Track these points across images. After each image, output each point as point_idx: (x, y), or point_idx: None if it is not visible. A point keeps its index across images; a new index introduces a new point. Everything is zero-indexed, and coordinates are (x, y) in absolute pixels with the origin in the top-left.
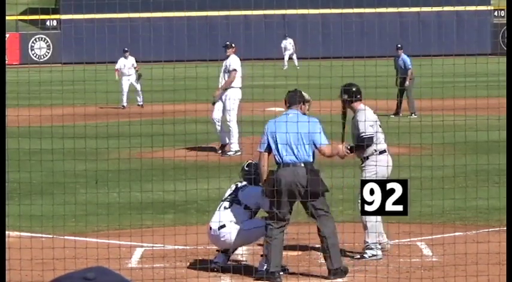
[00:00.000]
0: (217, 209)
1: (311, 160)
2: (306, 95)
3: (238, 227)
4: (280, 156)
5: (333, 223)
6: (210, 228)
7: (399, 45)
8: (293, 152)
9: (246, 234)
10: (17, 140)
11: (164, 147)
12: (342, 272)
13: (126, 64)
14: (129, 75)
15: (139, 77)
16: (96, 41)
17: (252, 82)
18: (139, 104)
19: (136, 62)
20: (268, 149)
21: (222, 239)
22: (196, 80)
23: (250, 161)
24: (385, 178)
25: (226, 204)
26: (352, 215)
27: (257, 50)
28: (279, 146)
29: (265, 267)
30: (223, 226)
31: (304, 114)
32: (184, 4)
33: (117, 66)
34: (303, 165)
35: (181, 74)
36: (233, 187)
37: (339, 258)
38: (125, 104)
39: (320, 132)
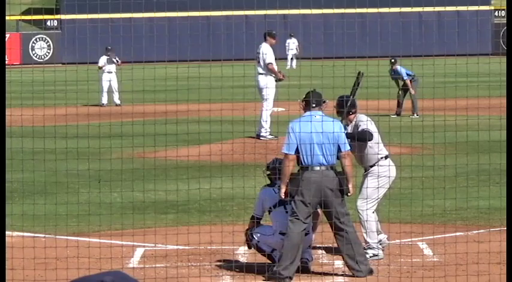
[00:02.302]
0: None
1: (335, 162)
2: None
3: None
4: (310, 158)
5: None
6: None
7: (393, 60)
8: (322, 154)
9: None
10: (20, 139)
11: (167, 147)
12: (371, 272)
13: (108, 61)
14: (109, 72)
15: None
16: (97, 41)
17: (254, 82)
18: (117, 103)
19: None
20: (296, 151)
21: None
22: (199, 80)
23: (275, 158)
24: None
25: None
26: (352, 215)
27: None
28: (309, 148)
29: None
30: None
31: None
32: (186, 4)
33: (100, 63)
34: (330, 167)
35: (184, 74)
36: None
37: (366, 260)
38: (104, 103)
39: (345, 137)
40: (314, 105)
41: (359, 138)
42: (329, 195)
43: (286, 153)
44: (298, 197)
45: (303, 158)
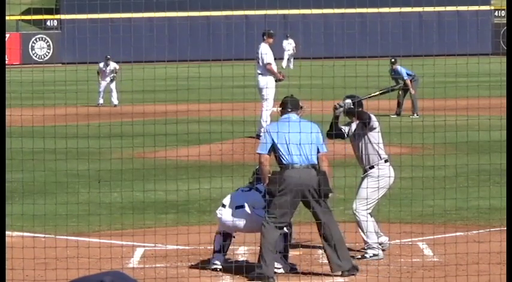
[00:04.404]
0: (234, 191)
1: (316, 162)
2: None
3: (255, 211)
4: (289, 157)
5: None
6: (223, 205)
7: (393, 60)
8: (302, 153)
9: (259, 221)
10: (20, 139)
11: (167, 147)
12: (354, 269)
13: (106, 69)
14: (108, 77)
15: (113, 78)
16: (97, 41)
17: (254, 82)
18: (115, 104)
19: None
20: (270, 150)
21: (236, 219)
22: (199, 80)
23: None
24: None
25: (245, 188)
26: (351, 214)
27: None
28: (288, 146)
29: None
30: (241, 206)
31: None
32: (186, 4)
33: (99, 69)
34: (311, 166)
35: (184, 74)
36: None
37: (348, 256)
38: (100, 102)
39: (323, 139)
40: (290, 109)
41: (358, 117)
42: (309, 192)
43: (260, 153)
44: (278, 196)
45: (282, 157)
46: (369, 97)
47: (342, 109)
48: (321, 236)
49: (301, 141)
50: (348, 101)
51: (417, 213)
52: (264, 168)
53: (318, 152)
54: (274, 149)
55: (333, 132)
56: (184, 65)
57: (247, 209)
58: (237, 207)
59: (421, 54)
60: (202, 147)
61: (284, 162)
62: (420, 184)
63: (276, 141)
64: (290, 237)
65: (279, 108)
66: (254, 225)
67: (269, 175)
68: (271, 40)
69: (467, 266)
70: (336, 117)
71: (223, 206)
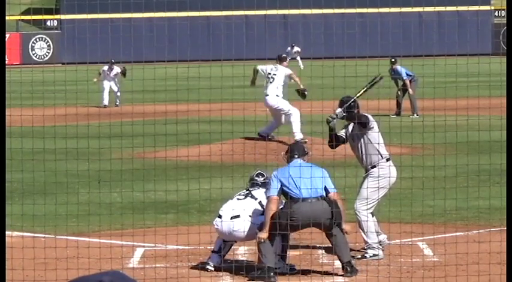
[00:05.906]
0: (230, 199)
1: (325, 195)
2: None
3: (251, 219)
4: (298, 191)
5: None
6: (220, 216)
7: (393, 60)
8: (310, 187)
9: (256, 229)
10: (20, 139)
11: (167, 147)
12: (354, 271)
13: (110, 73)
14: (110, 79)
15: (124, 72)
16: (97, 41)
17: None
18: (117, 104)
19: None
20: (279, 193)
21: (233, 229)
22: (199, 80)
23: (259, 171)
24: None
25: (240, 197)
26: (353, 214)
27: (259, 50)
28: (295, 181)
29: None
30: (237, 216)
31: None
32: (186, 4)
33: (101, 71)
34: (321, 198)
35: (184, 74)
36: (245, 191)
37: (349, 253)
38: (106, 103)
39: (330, 179)
40: (296, 155)
41: (358, 121)
42: (324, 225)
43: (269, 196)
44: (284, 230)
45: (291, 192)
46: (358, 96)
47: (335, 121)
48: (327, 237)
49: (309, 177)
50: (339, 110)
51: (417, 213)
52: (270, 210)
53: (328, 192)
54: (283, 190)
55: (333, 143)
56: (184, 65)
57: (243, 218)
58: (233, 218)
59: (421, 54)
60: (202, 147)
61: (293, 197)
62: (420, 184)
63: (284, 182)
64: (289, 237)
65: (285, 156)
66: (251, 234)
67: (278, 209)
68: (286, 63)
69: (468, 266)
70: (332, 129)
71: (220, 216)
